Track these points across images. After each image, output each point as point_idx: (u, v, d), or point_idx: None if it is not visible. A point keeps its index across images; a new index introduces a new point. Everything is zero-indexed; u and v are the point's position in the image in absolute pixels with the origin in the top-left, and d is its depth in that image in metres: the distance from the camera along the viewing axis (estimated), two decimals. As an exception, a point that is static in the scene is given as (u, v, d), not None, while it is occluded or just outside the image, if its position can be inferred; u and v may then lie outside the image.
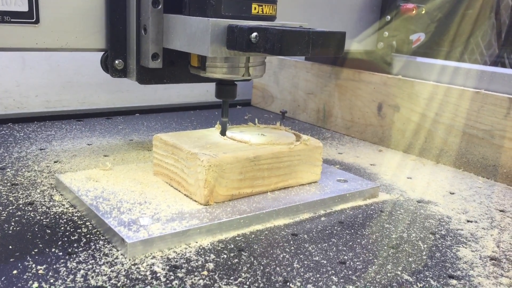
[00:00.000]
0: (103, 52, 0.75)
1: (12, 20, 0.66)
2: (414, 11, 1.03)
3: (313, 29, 0.61)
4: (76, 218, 0.62)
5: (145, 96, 1.29)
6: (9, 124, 1.05)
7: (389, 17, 1.05)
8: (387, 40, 1.06)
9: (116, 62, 0.74)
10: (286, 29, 0.58)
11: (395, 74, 1.04)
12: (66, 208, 0.65)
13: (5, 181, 0.73)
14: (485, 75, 0.92)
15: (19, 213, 0.63)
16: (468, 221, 0.69)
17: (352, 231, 0.64)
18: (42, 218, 0.62)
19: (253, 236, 0.61)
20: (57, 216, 0.62)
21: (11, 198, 0.67)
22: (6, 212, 0.63)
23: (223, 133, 0.75)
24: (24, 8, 0.66)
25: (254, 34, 0.59)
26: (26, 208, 0.64)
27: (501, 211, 0.74)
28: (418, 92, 0.98)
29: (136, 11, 0.71)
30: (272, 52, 0.59)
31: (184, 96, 1.36)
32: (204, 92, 1.39)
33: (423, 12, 1.06)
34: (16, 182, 0.73)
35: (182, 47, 0.68)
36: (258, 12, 0.68)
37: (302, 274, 0.53)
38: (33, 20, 0.67)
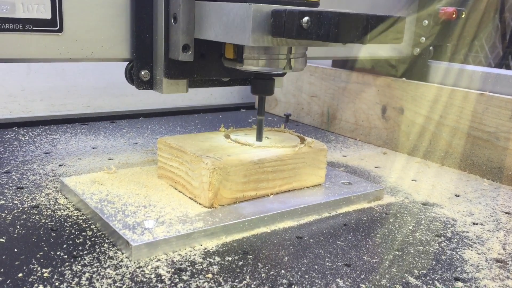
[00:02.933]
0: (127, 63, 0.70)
1: (34, 28, 0.61)
2: (454, 15, 0.96)
3: (370, 14, 0.54)
4: (81, 221, 0.62)
5: (150, 99, 1.29)
6: (14, 128, 1.06)
7: (426, 22, 0.99)
8: (423, 46, 1.01)
9: (142, 73, 0.69)
10: (343, 12, 0.52)
11: (438, 83, 0.98)
12: (71, 211, 0.65)
13: (10, 184, 0.73)
14: (489, 77, 0.91)
15: (24, 216, 0.63)
16: (473, 224, 0.69)
17: (357, 233, 0.64)
18: (47, 221, 0.62)
19: (257, 239, 0.61)
20: (62, 219, 0.63)
21: (16, 202, 0.67)
22: (11, 216, 0.63)
23: (259, 134, 0.72)
24: (47, 15, 0.62)
25: (306, 18, 0.53)
26: (31, 211, 0.64)
27: (506, 213, 0.74)
28: (422, 95, 0.98)
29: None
30: (327, 38, 0.52)
31: (188, 100, 1.36)
32: (208, 96, 1.40)
33: (463, 16, 0.98)
34: (21, 186, 0.73)
35: (217, 36, 0.61)
36: None
37: (307, 277, 0.53)
38: (57, 29, 0.62)
